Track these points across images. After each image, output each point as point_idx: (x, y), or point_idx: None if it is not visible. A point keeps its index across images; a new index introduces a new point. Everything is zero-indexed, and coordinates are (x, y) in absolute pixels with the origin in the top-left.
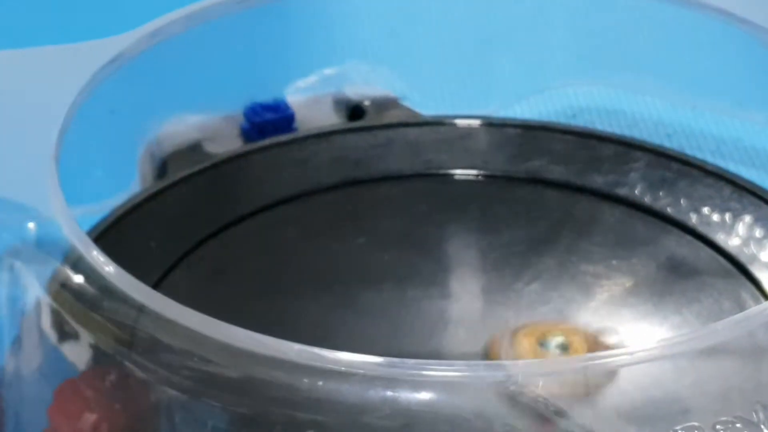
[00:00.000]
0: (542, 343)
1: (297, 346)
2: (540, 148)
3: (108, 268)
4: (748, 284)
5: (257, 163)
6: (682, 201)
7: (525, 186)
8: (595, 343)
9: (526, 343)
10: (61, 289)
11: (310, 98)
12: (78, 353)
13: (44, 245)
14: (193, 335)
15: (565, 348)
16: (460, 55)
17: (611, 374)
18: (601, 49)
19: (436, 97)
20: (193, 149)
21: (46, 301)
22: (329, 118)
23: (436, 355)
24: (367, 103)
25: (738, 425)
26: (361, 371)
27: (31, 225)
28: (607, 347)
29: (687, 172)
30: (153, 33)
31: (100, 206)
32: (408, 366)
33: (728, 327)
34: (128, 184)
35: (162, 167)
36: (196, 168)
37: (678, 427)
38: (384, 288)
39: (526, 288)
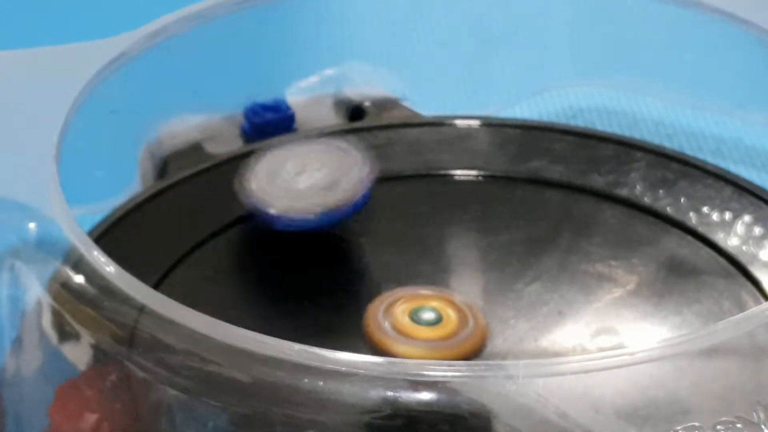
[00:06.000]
0: (414, 316)
1: (297, 346)
2: (540, 149)
3: (108, 268)
4: (748, 284)
5: None
6: (682, 201)
7: (525, 186)
8: (469, 316)
9: (398, 314)
10: (61, 289)
11: (310, 98)
12: (78, 353)
13: (45, 245)
14: (194, 335)
15: (438, 321)
16: (460, 55)
17: None
18: (601, 50)
19: (436, 97)
20: (194, 149)
21: (47, 301)
22: (329, 119)
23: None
24: (367, 103)
25: (738, 425)
26: (362, 371)
27: (31, 225)
28: (481, 320)
29: (687, 172)
30: (153, 33)
31: (100, 206)
32: (408, 366)
33: (728, 327)
34: (129, 184)
35: (162, 167)
36: (197, 168)
37: (678, 428)
38: (384, 288)
39: (526, 288)
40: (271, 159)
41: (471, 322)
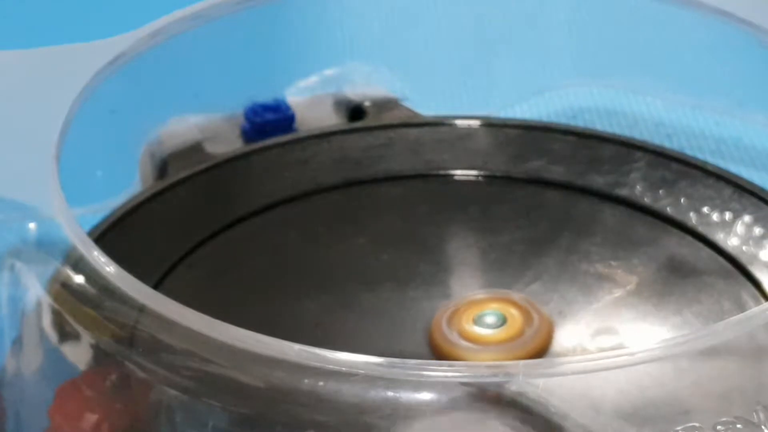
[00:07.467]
0: (478, 321)
1: (297, 346)
2: (540, 149)
3: (109, 268)
4: (748, 284)
5: (257, 164)
6: (682, 201)
7: (525, 186)
8: (532, 312)
9: (463, 322)
10: (61, 289)
11: (310, 99)
12: (79, 353)
13: (45, 245)
14: (193, 335)
15: (502, 322)
16: (460, 55)
17: None
18: (601, 50)
19: (436, 97)
20: (194, 149)
21: (47, 301)
22: (330, 119)
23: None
24: (367, 103)
25: (738, 426)
26: (362, 371)
27: (31, 225)
28: (544, 314)
29: (687, 172)
30: (153, 33)
31: (100, 206)
32: (408, 366)
33: (729, 327)
34: (129, 184)
35: (163, 167)
36: (197, 168)
37: (678, 428)
38: (384, 288)
39: (526, 288)
40: None
41: (535, 317)
